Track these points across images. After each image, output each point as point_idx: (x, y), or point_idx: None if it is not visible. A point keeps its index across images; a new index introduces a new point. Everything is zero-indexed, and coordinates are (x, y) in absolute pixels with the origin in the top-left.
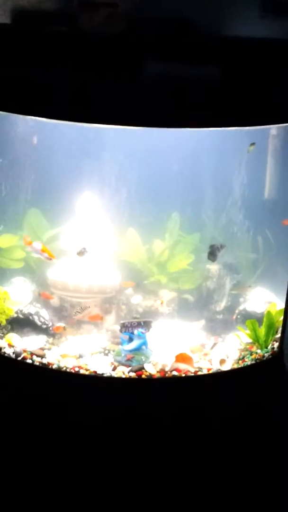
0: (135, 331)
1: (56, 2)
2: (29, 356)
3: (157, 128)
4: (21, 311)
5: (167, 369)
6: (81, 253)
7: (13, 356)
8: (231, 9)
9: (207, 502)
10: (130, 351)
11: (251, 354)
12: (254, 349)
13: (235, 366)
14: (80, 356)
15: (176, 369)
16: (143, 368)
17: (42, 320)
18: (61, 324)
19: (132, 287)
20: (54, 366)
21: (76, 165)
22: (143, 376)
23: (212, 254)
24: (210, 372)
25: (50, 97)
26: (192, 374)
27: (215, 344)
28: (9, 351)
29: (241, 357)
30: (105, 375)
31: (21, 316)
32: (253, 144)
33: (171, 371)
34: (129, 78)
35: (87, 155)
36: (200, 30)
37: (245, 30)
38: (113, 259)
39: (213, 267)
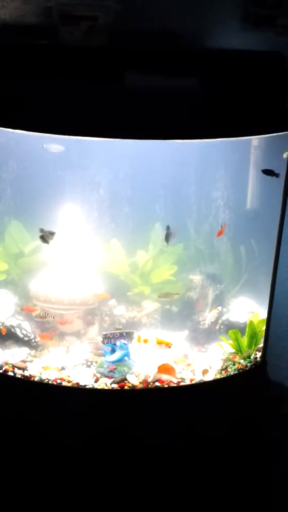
0: (118, 342)
1: (37, 15)
2: (10, 368)
3: (139, 140)
4: (2, 323)
5: (149, 380)
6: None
7: None
8: (212, 22)
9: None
10: (113, 362)
11: (234, 364)
12: (237, 359)
13: (218, 376)
14: (63, 368)
15: (158, 380)
16: (125, 379)
17: (24, 333)
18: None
19: (106, 299)
20: (36, 379)
21: (58, 176)
22: (126, 387)
23: (167, 237)
24: (193, 382)
25: (30, 110)
26: (175, 385)
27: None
28: None
29: (224, 367)
30: (87, 386)
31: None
32: None
33: (153, 382)
34: (110, 91)
35: (69, 166)
36: (181, 42)
37: (226, 42)
38: (96, 270)
39: (196, 278)
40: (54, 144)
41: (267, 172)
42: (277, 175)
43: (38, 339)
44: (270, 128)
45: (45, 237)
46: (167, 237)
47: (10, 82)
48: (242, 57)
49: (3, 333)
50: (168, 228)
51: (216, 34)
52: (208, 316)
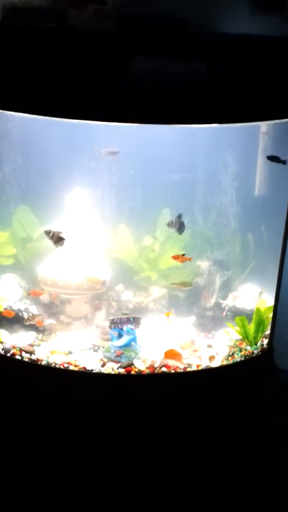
0: (125, 327)
1: None
2: (18, 352)
3: (147, 125)
4: (10, 307)
5: (156, 365)
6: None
7: (2, 352)
8: (221, 6)
9: (196, 499)
10: (120, 347)
11: (240, 351)
12: (243, 345)
13: (225, 362)
14: (70, 353)
15: (165, 365)
16: (132, 364)
17: (32, 323)
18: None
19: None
20: (43, 362)
21: (66, 161)
22: (132, 372)
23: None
24: (200, 368)
25: (39, 94)
26: (181, 371)
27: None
28: None
29: (231, 353)
30: (94, 371)
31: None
32: None
33: (160, 367)
34: (117, 75)
35: (77, 151)
36: (189, 27)
37: (235, 27)
38: (103, 255)
39: (204, 264)
40: (110, 148)
41: (273, 158)
42: (283, 162)
43: (46, 323)
44: (278, 114)
45: (54, 237)
46: (180, 227)
47: (17, 66)
48: (251, 42)
49: (10, 316)
50: (180, 216)
51: (225, 19)
52: (229, 297)
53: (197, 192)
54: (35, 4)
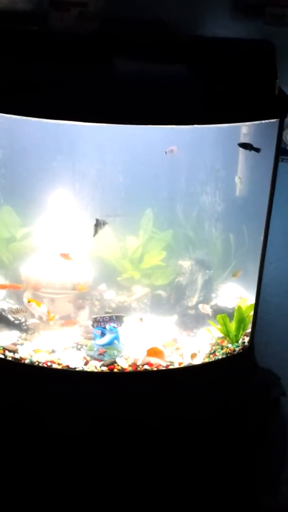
0: (107, 326)
1: (28, 2)
2: (1, 351)
3: (128, 126)
4: None
5: (139, 363)
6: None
7: None
8: (202, 10)
9: (179, 494)
10: (102, 345)
11: (222, 349)
12: (225, 343)
13: (206, 360)
14: (53, 351)
15: (147, 363)
16: (115, 362)
17: (15, 316)
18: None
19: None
20: (27, 361)
21: (48, 162)
22: (115, 370)
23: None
24: (181, 366)
25: (20, 95)
26: (164, 368)
27: None
28: None
29: (212, 351)
30: (77, 369)
31: None
32: None
33: (142, 365)
34: (99, 77)
35: (59, 152)
36: (171, 30)
37: (216, 31)
38: (86, 255)
39: (185, 263)
40: (171, 147)
41: (245, 145)
42: (256, 149)
43: (28, 322)
44: (258, 115)
45: None
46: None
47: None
48: (232, 45)
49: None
50: (104, 223)
51: (206, 22)
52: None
53: (179, 192)
54: (18, 7)
